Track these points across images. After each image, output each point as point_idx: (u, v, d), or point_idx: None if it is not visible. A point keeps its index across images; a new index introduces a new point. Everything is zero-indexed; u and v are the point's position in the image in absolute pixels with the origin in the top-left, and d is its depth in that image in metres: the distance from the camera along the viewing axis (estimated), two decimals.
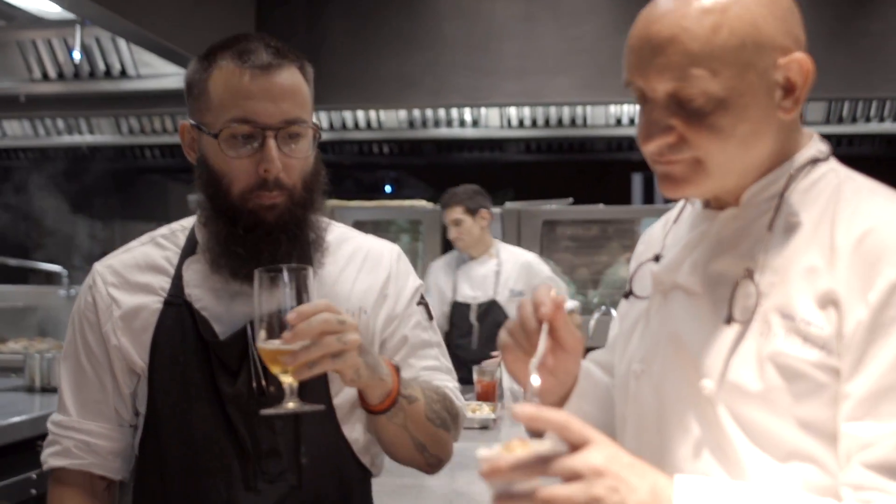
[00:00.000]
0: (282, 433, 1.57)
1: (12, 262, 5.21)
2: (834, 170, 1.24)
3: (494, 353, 3.97)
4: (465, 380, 2.39)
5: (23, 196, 5.49)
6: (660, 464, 1.12)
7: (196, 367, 1.59)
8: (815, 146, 1.25)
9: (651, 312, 1.32)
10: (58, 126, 6.80)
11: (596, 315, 4.95)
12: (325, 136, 6.39)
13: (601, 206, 5.84)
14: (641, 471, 1.06)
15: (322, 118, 6.25)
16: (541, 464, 1.03)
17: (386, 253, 1.76)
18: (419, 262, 5.71)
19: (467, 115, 6.29)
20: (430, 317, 1.78)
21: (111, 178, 7.28)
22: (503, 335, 1.30)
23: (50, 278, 5.43)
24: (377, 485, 1.76)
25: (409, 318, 1.72)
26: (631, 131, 6.13)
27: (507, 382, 3.46)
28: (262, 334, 1.39)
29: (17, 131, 6.93)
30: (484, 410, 3.40)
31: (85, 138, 6.88)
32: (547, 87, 5.45)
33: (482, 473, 1.04)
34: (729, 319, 1.19)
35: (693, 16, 1.15)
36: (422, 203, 6.07)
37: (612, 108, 6.11)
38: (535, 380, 1.18)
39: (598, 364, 1.50)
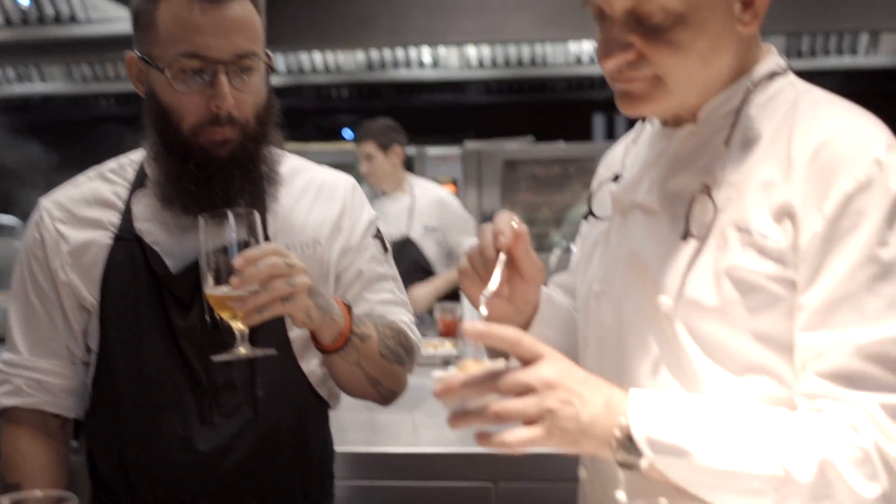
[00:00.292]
0: (237, 366, 1.54)
1: None
2: (792, 84, 1.23)
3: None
4: None
5: None
6: (620, 382, 1.12)
7: (148, 302, 1.56)
8: (773, 60, 1.24)
9: (611, 232, 1.31)
10: (7, 75, 6.65)
11: (557, 252, 4.96)
12: (283, 81, 6.36)
13: (562, 143, 5.82)
14: (596, 384, 1.06)
15: (279, 62, 6.15)
16: (493, 379, 1.02)
17: (340, 184, 1.73)
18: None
19: (426, 56, 6.21)
20: (386, 249, 1.75)
21: (66, 127, 7.14)
22: (463, 261, 1.28)
23: (2, 230, 5.34)
24: (335, 419, 1.75)
25: (364, 251, 1.70)
26: (591, 70, 6.09)
27: (469, 319, 3.47)
28: (209, 280, 1.36)
29: None
30: (446, 347, 3.42)
31: (36, 87, 6.73)
32: (506, 24, 5.38)
33: (435, 393, 1.04)
34: (686, 235, 1.18)
35: None
36: None
37: (573, 47, 6.05)
38: (483, 310, 1.18)
39: (562, 287, 1.50)
